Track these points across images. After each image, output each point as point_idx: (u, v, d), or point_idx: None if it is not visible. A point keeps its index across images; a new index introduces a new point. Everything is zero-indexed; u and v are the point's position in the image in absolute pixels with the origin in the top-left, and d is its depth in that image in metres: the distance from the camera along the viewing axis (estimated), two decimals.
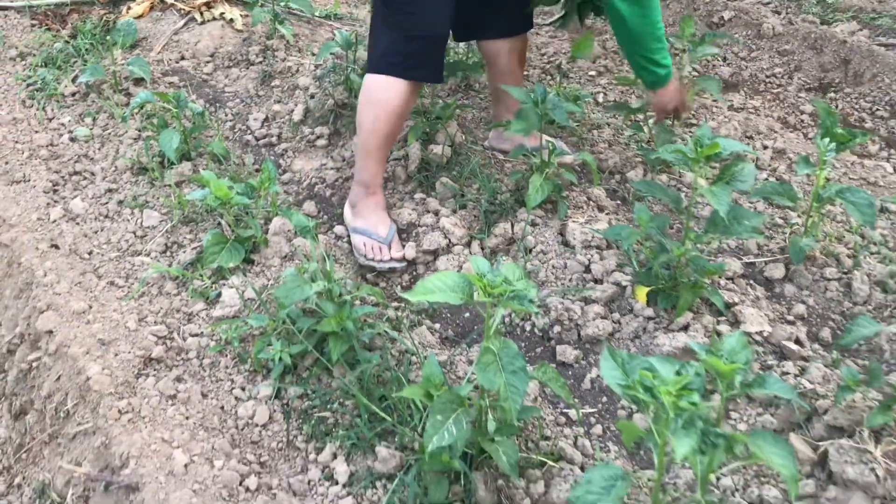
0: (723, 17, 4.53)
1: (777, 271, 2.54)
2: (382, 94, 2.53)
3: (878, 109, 3.89)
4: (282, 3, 3.94)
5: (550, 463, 1.92)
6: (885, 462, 1.86)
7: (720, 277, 2.46)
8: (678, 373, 1.30)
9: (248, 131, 3.32)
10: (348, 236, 2.68)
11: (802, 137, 3.68)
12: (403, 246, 2.63)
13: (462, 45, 3.74)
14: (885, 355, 2.25)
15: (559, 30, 4.39)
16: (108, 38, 3.77)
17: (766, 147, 3.30)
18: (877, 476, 1.83)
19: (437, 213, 2.73)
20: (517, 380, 1.60)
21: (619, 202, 2.84)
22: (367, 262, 2.57)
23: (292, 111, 3.34)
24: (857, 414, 1.95)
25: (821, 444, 1.94)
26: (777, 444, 1.33)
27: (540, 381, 1.87)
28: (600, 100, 3.62)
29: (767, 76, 4.20)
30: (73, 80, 3.64)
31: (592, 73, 3.89)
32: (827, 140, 2.44)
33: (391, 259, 2.59)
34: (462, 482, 1.87)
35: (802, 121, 3.84)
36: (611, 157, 3.03)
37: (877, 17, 4.63)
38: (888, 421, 1.87)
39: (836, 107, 3.96)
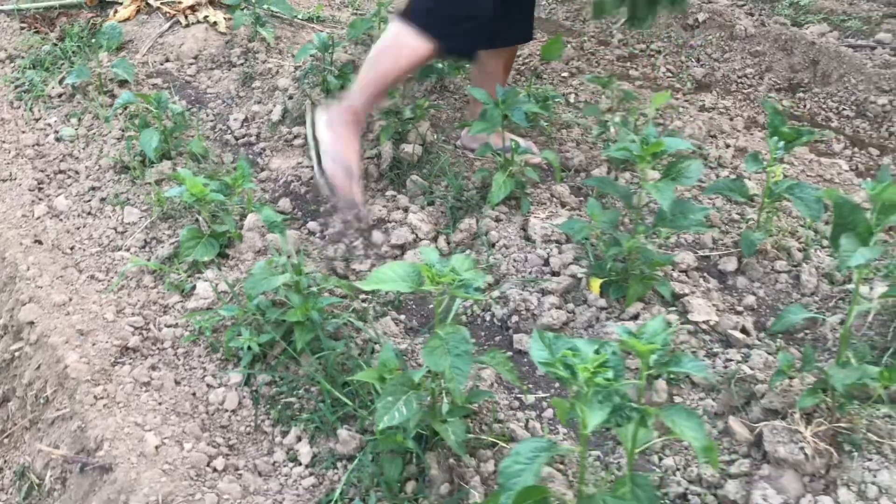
0: (697, 18, 4.63)
1: (730, 264, 2.65)
2: (410, 44, 2.57)
3: (843, 109, 4.01)
4: (264, 6, 4.04)
5: (501, 444, 2.03)
6: (815, 442, 1.97)
7: (673, 270, 2.57)
8: (597, 352, 1.41)
9: (228, 131, 3.43)
10: (316, 144, 2.79)
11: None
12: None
13: None
14: (829, 343, 2.36)
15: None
16: (93, 40, 3.88)
17: (728, 146, 3.41)
18: (806, 455, 1.94)
19: (406, 210, 2.84)
20: (461, 362, 1.71)
21: (582, 199, 2.95)
22: (330, 186, 2.65)
23: (271, 111, 3.45)
24: (791, 397, 2.06)
25: (757, 425, 2.05)
26: (689, 418, 1.44)
27: (490, 366, 1.98)
28: (572, 100, 3.73)
29: (739, 77, 4.32)
30: (60, 82, 3.75)
31: (565, 74, 4.00)
32: (776, 138, 2.55)
33: (356, 200, 2.66)
34: (416, 462, 1.98)
35: (793, 124, 3.96)
36: (577, 155, 3.13)
37: (847, 19, 4.74)
38: (818, 403, 1.98)
39: (805, 106, 4.07)
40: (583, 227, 2.36)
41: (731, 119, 3.88)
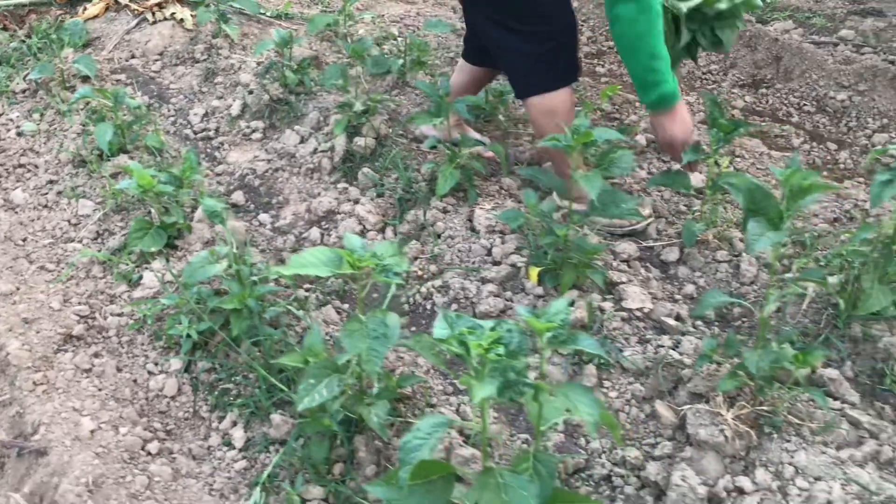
0: None
1: (672, 254, 2.69)
2: (551, 104, 2.58)
3: (804, 104, 4.05)
4: (228, 3, 4.07)
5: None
6: (736, 424, 2.01)
7: (615, 259, 2.61)
8: (493, 330, 1.44)
9: (188, 126, 3.47)
10: None
11: None
12: None
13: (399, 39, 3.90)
14: (781, 333, 2.39)
15: None
16: (53, 36, 3.91)
17: None
18: (726, 437, 1.98)
19: (356, 202, 2.88)
20: (379, 344, 1.75)
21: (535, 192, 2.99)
22: None
23: (230, 106, 3.48)
24: (716, 381, 2.09)
25: (682, 408, 2.09)
26: (585, 395, 1.48)
27: (415, 350, 2.02)
28: None
29: (703, 73, 4.36)
30: (25, 78, 3.78)
31: None
32: (716, 130, 2.59)
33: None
34: (344, 444, 2.01)
35: (733, 115, 3.98)
36: (529, 149, 3.17)
37: (811, 17, 4.79)
38: (737, 386, 2.02)
39: (767, 102, 4.11)
40: (518, 216, 2.39)
41: (693, 114, 3.91)
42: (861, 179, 3.28)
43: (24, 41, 4.10)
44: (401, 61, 3.75)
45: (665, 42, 2.50)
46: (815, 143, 3.76)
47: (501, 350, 1.39)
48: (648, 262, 2.70)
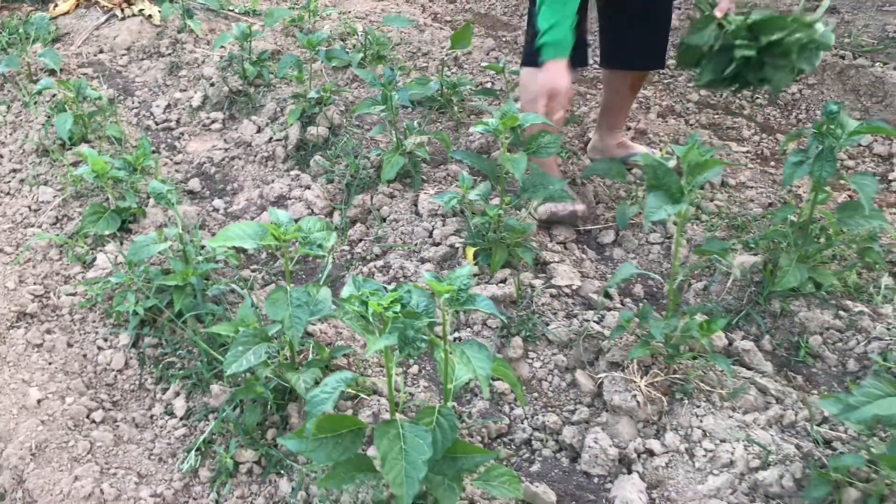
0: None
1: (608, 237, 2.80)
2: (531, 82, 2.62)
3: (757, 97, 4.16)
4: None
5: (364, 396, 2.17)
6: (648, 391, 2.12)
7: (551, 241, 2.72)
8: (394, 291, 1.55)
9: (151, 117, 3.57)
10: None
11: (684, 123, 3.93)
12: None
13: (360, 34, 4.01)
14: (692, 305, 2.51)
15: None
16: (19, 31, 4.01)
17: (629, 128, 3.55)
18: (638, 402, 2.09)
19: (307, 188, 2.98)
20: (301, 312, 1.85)
21: (478, 178, 3.09)
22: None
23: (192, 98, 3.59)
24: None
25: (599, 376, 2.20)
26: (480, 352, 1.58)
27: (340, 320, 2.12)
28: (489, 87, 3.88)
29: (661, 69, 4.47)
30: None
31: (485, 63, 4.14)
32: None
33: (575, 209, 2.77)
34: (278, 411, 2.12)
35: (688, 108, 4.10)
36: (479, 138, 3.28)
37: None
38: (648, 354, 2.13)
39: (721, 95, 4.22)
40: (451, 197, 2.50)
41: (648, 109, 4.02)
42: None
43: None
44: (360, 55, 3.86)
45: (705, 62, 2.64)
46: (765, 135, 3.87)
47: (398, 308, 1.49)
48: (585, 244, 2.82)
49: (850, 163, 3.59)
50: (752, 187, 3.19)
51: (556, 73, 2.45)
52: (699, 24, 2.67)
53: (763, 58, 2.62)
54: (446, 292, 1.58)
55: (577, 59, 2.66)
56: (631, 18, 2.87)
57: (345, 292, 1.61)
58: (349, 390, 2.19)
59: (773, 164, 3.60)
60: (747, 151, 3.70)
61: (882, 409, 1.59)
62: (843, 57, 4.31)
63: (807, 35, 2.57)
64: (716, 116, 3.98)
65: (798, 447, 1.97)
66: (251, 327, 2.02)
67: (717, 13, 2.62)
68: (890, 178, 3.45)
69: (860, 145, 3.72)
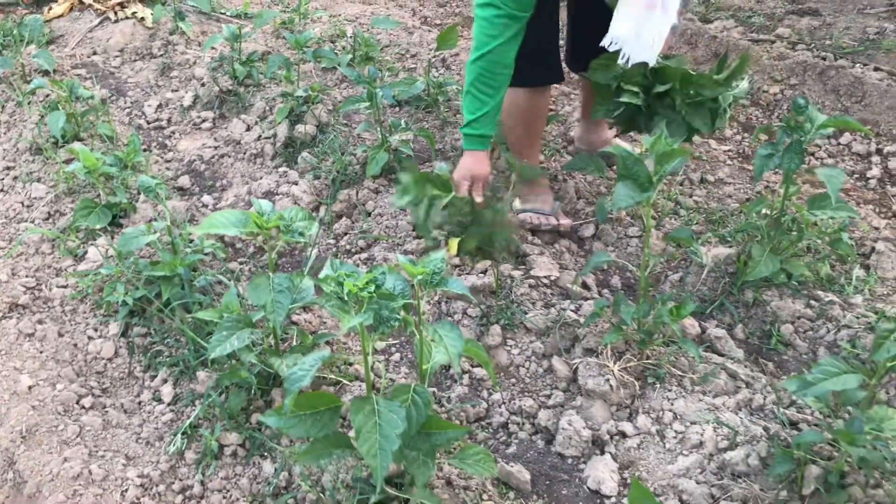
0: None
1: (588, 231, 2.87)
2: (513, 101, 2.64)
3: (740, 97, 4.23)
4: (185, 1, 4.25)
5: (345, 381, 2.23)
6: (621, 375, 2.18)
7: (534, 235, 2.79)
8: (369, 272, 1.61)
9: (142, 116, 3.64)
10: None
11: None
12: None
13: (350, 36, 4.08)
14: (665, 293, 2.57)
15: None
16: (15, 32, 4.07)
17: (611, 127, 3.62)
18: (611, 386, 2.15)
19: (295, 184, 3.05)
20: (282, 297, 1.92)
21: None
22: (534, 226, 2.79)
23: (183, 98, 3.65)
24: None
25: (574, 362, 2.26)
26: (452, 331, 1.65)
27: (321, 306, 2.19)
28: None
29: None
30: None
31: None
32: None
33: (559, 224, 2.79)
34: (262, 395, 2.18)
35: None
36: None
37: (752, 15, 5.00)
38: (619, 340, 2.20)
39: None
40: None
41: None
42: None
43: None
44: (349, 56, 3.93)
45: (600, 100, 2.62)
46: (746, 134, 3.95)
47: (372, 289, 1.56)
48: (568, 237, 2.88)
49: (830, 161, 3.67)
50: (730, 183, 3.27)
51: (477, 160, 2.54)
52: (603, 63, 2.59)
53: (655, 107, 2.60)
54: (420, 274, 1.65)
55: (554, 76, 2.78)
56: (595, 20, 2.79)
57: (322, 274, 1.67)
58: (331, 376, 2.26)
59: (753, 161, 3.67)
60: (728, 150, 3.77)
61: (837, 384, 1.66)
62: (824, 58, 4.39)
63: (710, 93, 2.56)
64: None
65: (765, 429, 2.04)
66: (235, 313, 2.08)
67: None
68: (868, 175, 3.52)
69: (840, 144, 3.79)
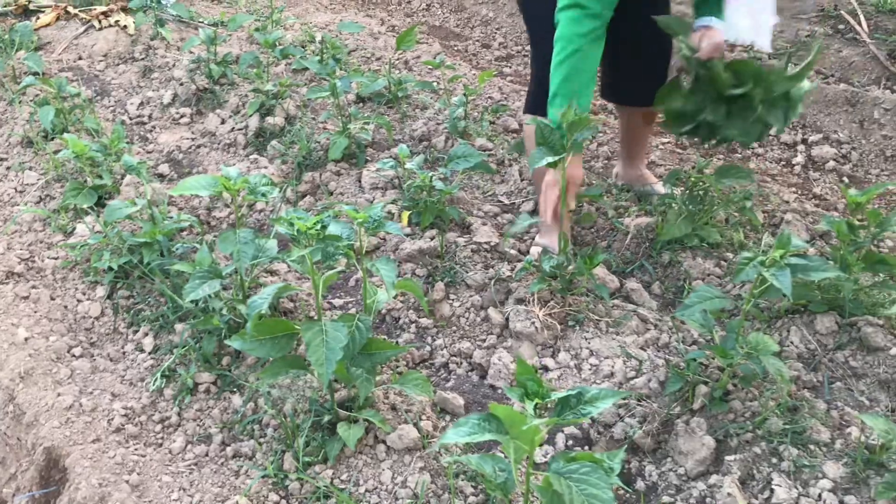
0: None
1: (528, 206, 3.20)
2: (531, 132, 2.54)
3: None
4: (164, 9, 4.58)
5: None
6: (546, 319, 2.50)
7: (479, 210, 3.12)
8: (317, 215, 1.93)
9: (125, 113, 3.95)
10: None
11: (613, 119, 4.35)
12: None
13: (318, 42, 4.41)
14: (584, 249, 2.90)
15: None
16: (5, 37, 4.38)
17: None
18: (536, 328, 2.47)
19: (264, 168, 3.36)
20: (247, 248, 2.23)
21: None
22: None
23: (163, 96, 3.97)
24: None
25: (506, 310, 2.58)
26: (387, 264, 1.96)
27: (284, 261, 2.50)
28: (435, 87, 4.28)
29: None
30: None
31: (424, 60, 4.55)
32: None
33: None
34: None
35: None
36: (420, 126, 3.68)
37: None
38: (543, 287, 2.52)
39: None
40: (390, 164, 2.89)
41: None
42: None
43: None
44: (318, 58, 4.25)
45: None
46: None
47: (319, 226, 1.88)
48: (511, 212, 3.21)
49: (760, 150, 4.03)
50: (661, 165, 3.61)
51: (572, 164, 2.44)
52: (668, 89, 2.62)
53: (732, 111, 2.58)
54: (361, 218, 1.97)
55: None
56: (637, 52, 2.84)
57: (274, 215, 1.99)
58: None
59: (688, 150, 4.02)
60: (667, 141, 4.12)
61: (709, 306, 1.99)
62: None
63: (784, 87, 2.54)
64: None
65: (667, 360, 2.36)
66: (207, 266, 2.39)
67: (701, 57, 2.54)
68: (794, 162, 3.87)
69: (770, 135, 4.15)
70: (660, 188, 3.13)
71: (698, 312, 2.01)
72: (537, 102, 2.64)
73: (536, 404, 1.51)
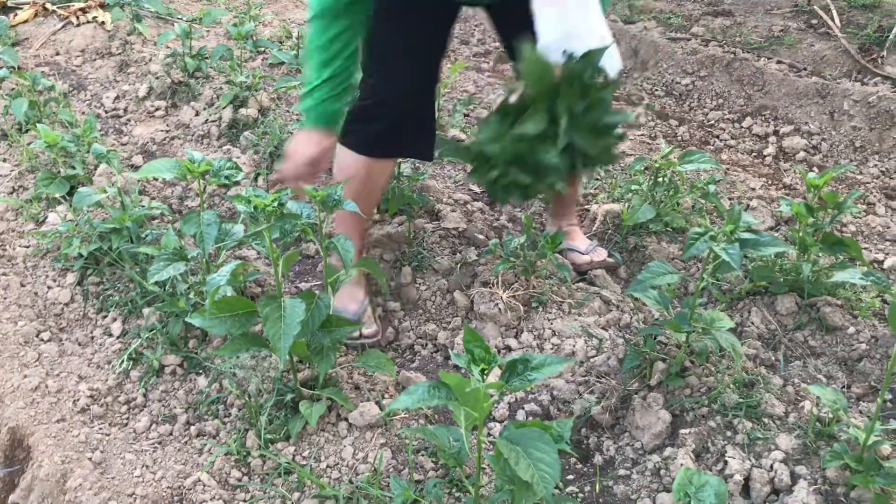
0: None
1: None
2: (344, 162, 2.35)
3: (656, 90, 4.65)
4: (140, 4, 4.60)
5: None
6: (509, 301, 2.53)
7: (450, 199, 3.15)
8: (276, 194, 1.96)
9: (101, 107, 3.97)
10: None
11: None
12: (378, 318, 2.55)
13: (294, 38, 4.44)
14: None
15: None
16: None
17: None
18: (500, 310, 2.50)
19: (237, 158, 3.39)
20: (210, 230, 2.25)
21: None
22: None
23: (138, 90, 3.99)
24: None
25: (471, 293, 2.61)
26: (346, 242, 2.00)
27: (250, 245, 2.53)
28: None
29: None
30: None
31: None
32: None
33: (360, 336, 2.45)
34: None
35: None
36: None
37: (671, 17, 5.43)
38: (507, 268, 2.55)
39: (623, 89, 4.70)
40: None
41: None
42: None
43: None
44: (293, 52, 4.29)
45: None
46: (660, 121, 4.34)
47: (276, 205, 1.90)
48: (481, 199, 3.24)
49: (732, 142, 4.08)
50: (630, 155, 3.65)
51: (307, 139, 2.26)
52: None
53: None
54: (319, 196, 2.00)
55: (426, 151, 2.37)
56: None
57: (232, 192, 2.01)
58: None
59: (657, 140, 4.07)
60: (641, 133, 4.16)
61: (661, 281, 2.02)
62: (734, 53, 4.80)
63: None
64: (617, 106, 4.45)
65: (626, 340, 2.40)
66: (172, 249, 2.41)
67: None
68: (765, 153, 3.92)
69: (742, 127, 4.20)
70: (581, 246, 2.77)
71: (653, 290, 2.04)
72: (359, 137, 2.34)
73: (483, 369, 1.54)
